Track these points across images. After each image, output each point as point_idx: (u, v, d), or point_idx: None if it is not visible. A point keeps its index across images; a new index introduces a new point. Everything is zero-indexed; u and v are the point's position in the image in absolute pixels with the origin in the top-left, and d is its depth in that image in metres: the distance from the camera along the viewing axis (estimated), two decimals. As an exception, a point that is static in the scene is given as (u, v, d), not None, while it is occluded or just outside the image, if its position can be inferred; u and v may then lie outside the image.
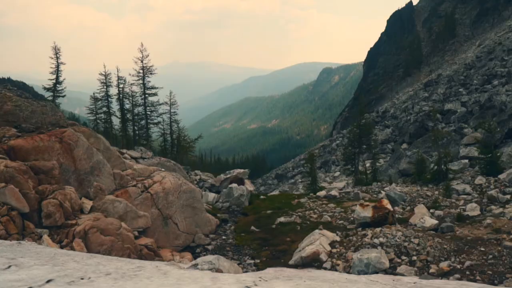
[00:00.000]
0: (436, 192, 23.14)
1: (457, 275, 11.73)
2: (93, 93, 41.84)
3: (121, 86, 41.18)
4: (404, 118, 54.30)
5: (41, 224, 13.55)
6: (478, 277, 11.52)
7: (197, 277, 6.22)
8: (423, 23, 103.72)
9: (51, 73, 38.14)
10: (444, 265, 12.44)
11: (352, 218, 19.06)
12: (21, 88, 32.36)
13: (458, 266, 12.33)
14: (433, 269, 12.41)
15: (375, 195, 24.89)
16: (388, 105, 72.95)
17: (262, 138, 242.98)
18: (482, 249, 13.11)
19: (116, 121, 43.34)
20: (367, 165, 35.91)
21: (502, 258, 12.32)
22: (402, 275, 11.78)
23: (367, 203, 18.19)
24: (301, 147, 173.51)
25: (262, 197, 28.01)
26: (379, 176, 32.53)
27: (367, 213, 16.92)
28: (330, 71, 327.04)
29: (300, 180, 49.79)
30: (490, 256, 12.52)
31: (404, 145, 43.23)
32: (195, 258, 14.86)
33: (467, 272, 11.89)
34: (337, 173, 46.47)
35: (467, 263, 12.33)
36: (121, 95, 41.28)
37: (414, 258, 13.18)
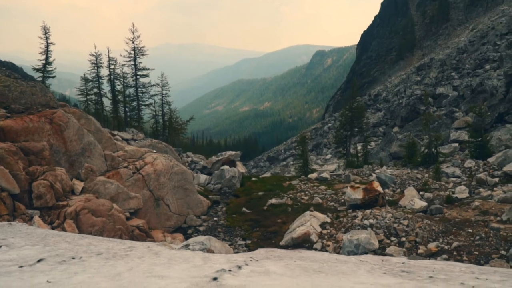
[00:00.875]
0: (426, 175, 23.36)
1: (444, 256, 11.93)
2: (84, 74, 41.29)
3: (112, 67, 40.66)
4: (396, 101, 54.44)
5: (32, 205, 13.51)
6: (465, 258, 11.73)
7: (188, 257, 6.27)
8: (417, 6, 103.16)
9: (41, 53, 37.48)
10: (432, 246, 12.63)
11: (342, 200, 19.23)
12: (10, 68, 31.79)
13: (446, 247, 12.53)
14: (421, 249, 12.60)
15: (366, 178, 25.08)
16: (381, 88, 73.03)
17: (254, 120, 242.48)
18: (470, 230, 13.32)
19: (107, 103, 42.88)
20: (359, 148, 36.08)
21: (488, 239, 12.52)
22: (391, 255, 11.97)
23: (357, 185, 18.33)
24: (293, 130, 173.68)
25: (253, 179, 28.10)
26: (370, 159, 32.74)
27: (358, 195, 17.07)
28: (323, 54, 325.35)
29: (291, 163, 49.98)
30: (477, 237, 12.73)
31: (396, 129, 43.44)
32: (186, 239, 14.95)
33: (455, 253, 12.09)
34: (329, 156, 46.68)
35: (455, 244, 12.53)
36: (112, 76, 40.78)
37: (403, 239, 13.37)
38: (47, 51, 37.67)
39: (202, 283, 4.02)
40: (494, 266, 10.78)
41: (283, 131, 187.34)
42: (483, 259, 11.57)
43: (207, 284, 4.00)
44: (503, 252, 11.62)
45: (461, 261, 11.49)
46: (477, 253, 11.93)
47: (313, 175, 26.50)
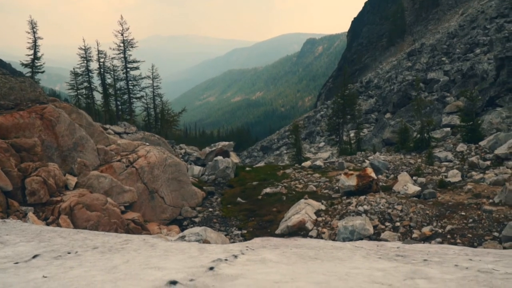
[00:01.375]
0: (419, 160, 23.51)
1: (438, 239, 12.06)
2: (73, 68, 40.89)
3: (101, 60, 40.32)
4: (388, 87, 54.50)
5: (25, 202, 13.44)
6: (458, 240, 11.87)
7: (184, 248, 6.28)
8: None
9: (29, 48, 37.02)
10: (426, 229, 12.76)
11: (337, 187, 19.32)
12: (-2, 64, 31.40)
13: (440, 231, 12.66)
14: (415, 234, 12.73)
15: (359, 164, 25.19)
16: (372, 75, 73.04)
17: (246, 110, 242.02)
18: (463, 213, 13.46)
19: (98, 96, 42.59)
20: (351, 135, 36.18)
21: (481, 222, 12.67)
22: (386, 240, 12.08)
23: (351, 172, 18.42)
24: (285, 119, 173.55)
25: (247, 169, 28.14)
26: (363, 146, 32.86)
27: (352, 181, 17.16)
28: (314, 42, 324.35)
29: (285, 152, 50.05)
30: (470, 220, 12.87)
31: (388, 115, 43.54)
32: (182, 230, 14.97)
33: (448, 236, 12.23)
34: (322, 144, 46.79)
35: (448, 227, 12.67)
36: (102, 70, 40.45)
37: (398, 224, 13.49)
38: (35, 46, 37.21)
39: (198, 273, 4.03)
40: (487, 247, 10.91)
41: (276, 120, 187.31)
42: (477, 241, 11.72)
43: (204, 273, 4.02)
44: (496, 234, 11.78)
45: (455, 243, 11.63)
46: (470, 235, 12.08)
47: (307, 163, 26.57)
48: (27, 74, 35.95)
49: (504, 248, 10.72)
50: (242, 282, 3.77)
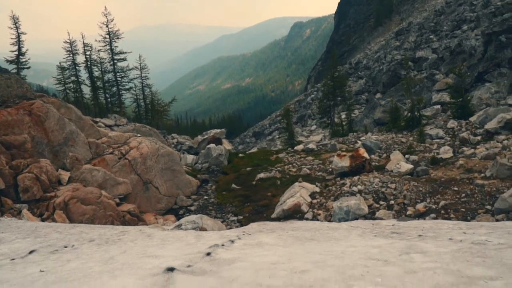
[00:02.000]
0: (411, 138, 23.68)
1: (432, 215, 12.21)
2: (60, 63, 40.32)
3: (88, 53, 39.76)
4: (377, 68, 54.52)
5: (19, 199, 13.36)
6: (452, 215, 12.03)
7: (181, 236, 6.30)
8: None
9: (12, 44, 36.42)
10: (420, 206, 12.91)
11: (330, 169, 19.42)
12: (-19, 62, 30.95)
13: (434, 206, 12.81)
14: (410, 211, 12.87)
15: (351, 145, 25.31)
16: (361, 56, 72.96)
17: (237, 97, 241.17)
18: (456, 188, 13.62)
19: (86, 90, 42.12)
20: (343, 116, 36.27)
21: (474, 196, 12.84)
22: (381, 219, 12.19)
23: (344, 153, 18.51)
24: (276, 104, 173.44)
25: (240, 155, 28.16)
26: (354, 127, 32.99)
27: (345, 163, 17.25)
28: (301, 25, 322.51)
29: (277, 136, 50.12)
30: (463, 195, 13.04)
31: (378, 95, 43.65)
32: (178, 220, 15.00)
33: (442, 211, 12.39)
34: (314, 127, 46.90)
35: (442, 202, 12.82)
36: (88, 63, 39.92)
37: (392, 202, 13.63)
38: (19, 42, 36.63)
39: (195, 259, 4.04)
40: (481, 220, 11.08)
41: (267, 105, 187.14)
42: (470, 215, 11.88)
43: (201, 259, 4.03)
44: (488, 207, 11.94)
45: (449, 218, 11.79)
46: (463, 210, 12.24)
47: (300, 147, 26.64)
48: (13, 71, 35.44)
49: (497, 220, 10.89)
50: (239, 265, 3.79)
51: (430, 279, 3.06)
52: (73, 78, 40.37)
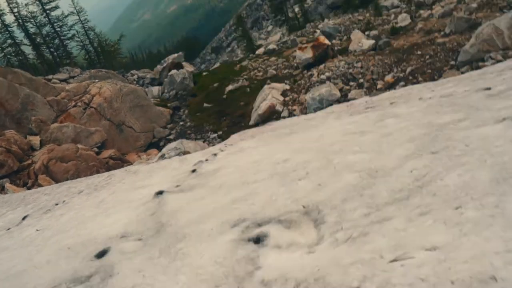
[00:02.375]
0: (367, 15, 23.39)
1: (402, 83, 12.48)
2: (-12, 28, 37.26)
3: (15, 10, 36.63)
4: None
5: (-3, 175, 13.15)
6: (420, 79, 12.31)
7: (166, 164, 6.36)
8: None
9: None
10: (388, 77, 13.14)
11: (295, 64, 19.33)
12: None
13: (401, 75, 13.06)
14: (380, 84, 13.11)
15: (311, 36, 24.99)
16: None
17: (185, 17, 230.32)
18: (419, 52, 13.79)
19: (28, 50, 39.51)
20: (296, 10, 35.29)
21: (437, 55, 13.06)
22: (354, 99, 12.42)
23: (305, 45, 18.31)
24: (227, 14, 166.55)
25: (205, 73, 27.65)
26: (310, 17, 32.31)
27: (308, 54, 17.13)
28: None
29: (236, 46, 48.97)
30: (427, 57, 13.24)
31: (327, -22, 42.12)
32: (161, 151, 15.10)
33: (410, 77, 12.66)
34: (270, 27, 45.77)
35: (408, 69, 13.05)
36: (20, 20, 36.95)
37: (361, 80, 13.81)
38: None
39: (182, 178, 4.12)
40: (447, 77, 11.38)
41: (218, 18, 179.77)
42: (436, 74, 12.18)
43: (187, 177, 4.11)
44: (452, 63, 12.22)
45: (417, 82, 12.07)
46: (430, 71, 12.51)
47: (261, 50, 26.22)
48: None
49: (462, 73, 11.19)
50: (224, 172, 3.88)
51: (404, 135, 3.18)
52: (9, 41, 37.56)
